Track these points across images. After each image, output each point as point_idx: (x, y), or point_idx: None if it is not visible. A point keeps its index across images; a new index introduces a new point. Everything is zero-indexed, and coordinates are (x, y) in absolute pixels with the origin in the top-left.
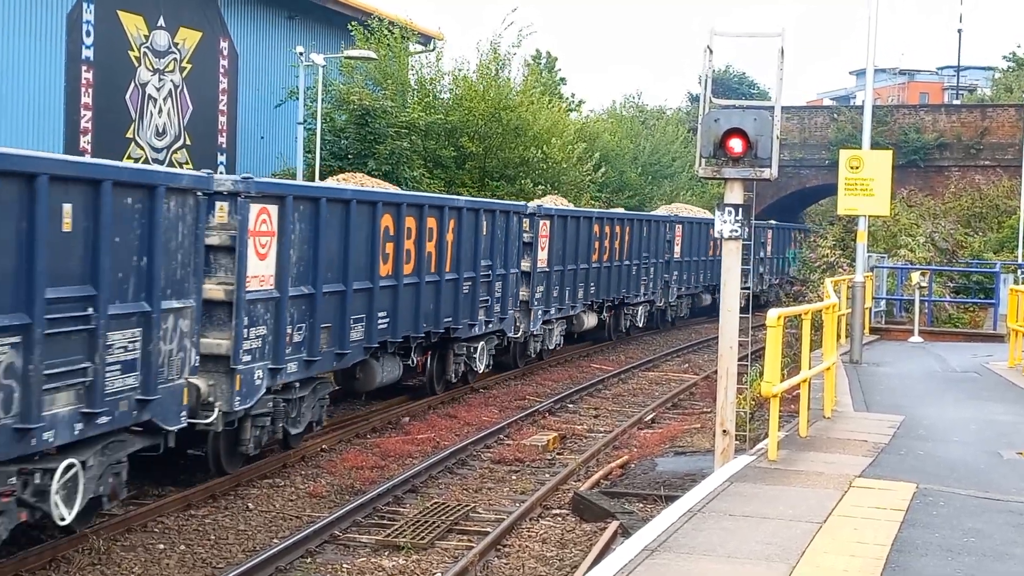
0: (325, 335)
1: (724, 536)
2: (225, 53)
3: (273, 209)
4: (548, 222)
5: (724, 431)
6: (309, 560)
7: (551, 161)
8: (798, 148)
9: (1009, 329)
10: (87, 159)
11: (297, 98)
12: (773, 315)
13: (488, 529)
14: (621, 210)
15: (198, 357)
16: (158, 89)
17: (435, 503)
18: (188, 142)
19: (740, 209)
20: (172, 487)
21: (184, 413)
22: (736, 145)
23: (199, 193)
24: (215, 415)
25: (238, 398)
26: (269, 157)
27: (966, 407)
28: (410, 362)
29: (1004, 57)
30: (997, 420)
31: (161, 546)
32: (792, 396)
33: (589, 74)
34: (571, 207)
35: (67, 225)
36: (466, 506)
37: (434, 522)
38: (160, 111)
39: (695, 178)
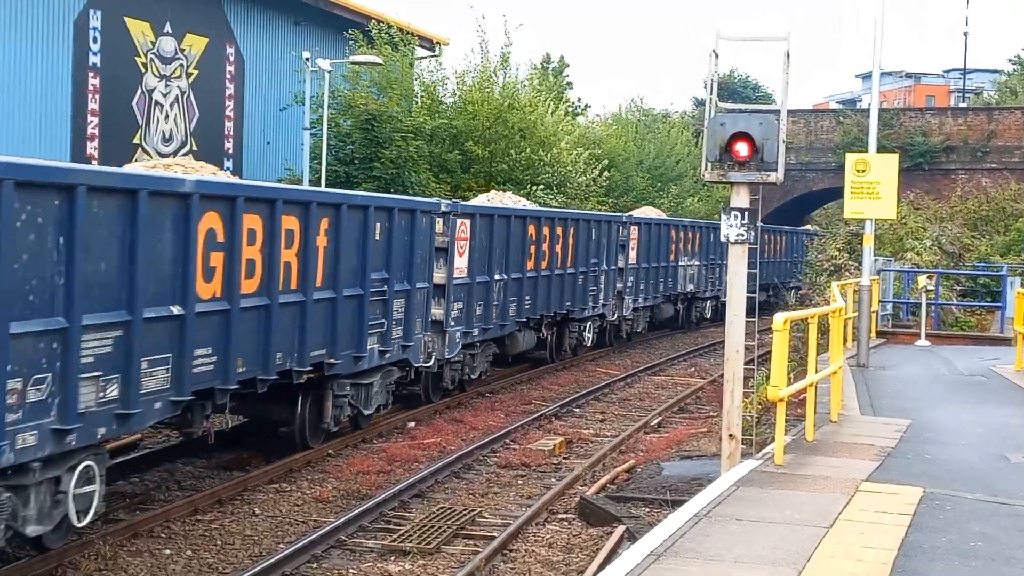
0: (92, 390)
1: (731, 541)
2: (231, 59)
3: None
4: (468, 222)
5: (731, 435)
6: (315, 565)
7: (558, 165)
8: (804, 152)
9: (1016, 332)
10: None
11: (303, 103)
12: (779, 319)
13: (494, 534)
14: (559, 208)
15: None
16: (165, 95)
17: (441, 508)
18: (195, 148)
19: (746, 213)
20: (178, 491)
21: None
22: (742, 149)
23: None
24: None
25: None
26: (275, 163)
27: (973, 411)
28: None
29: (1010, 60)
30: (1004, 423)
31: (167, 551)
32: (799, 400)
33: (595, 83)
34: (517, 205)
35: None
36: (472, 511)
37: (440, 527)
38: (167, 117)
39: (700, 182)
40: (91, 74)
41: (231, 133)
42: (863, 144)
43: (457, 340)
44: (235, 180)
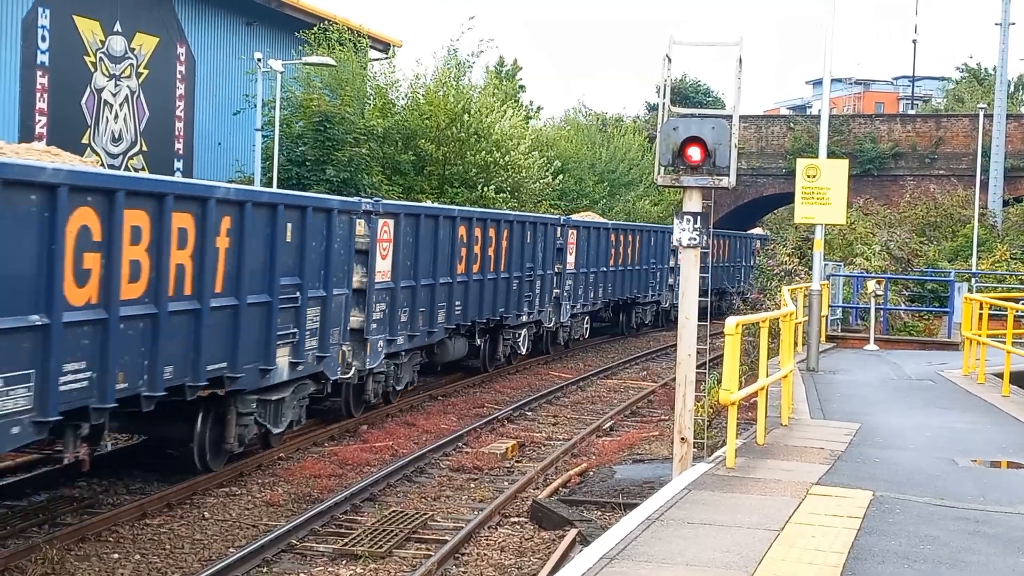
0: None
1: (683, 544)
2: (182, 59)
3: None
4: (392, 222)
5: (682, 439)
6: (266, 569)
7: (512, 168)
8: (755, 157)
9: (963, 337)
10: None
11: (255, 104)
12: (731, 323)
13: (446, 537)
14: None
15: None
16: (114, 95)
17: (393, 511)
18: (144, 148)
19: (698, 217)
20: (127, 495)
21: None
22: (694, 153)
23: None
24: None
25: None
26: (226, 163)
27: (921, 415)
28: None
29: (957, 68)
30: (952, 427)
31: (115, 556)
32: (750, 404)
33: (546, 85)
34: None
35: None
36: (424, 514)
37: (392, 530)
38: (116, 117)
39: (653, 186)
40: (39, 73)
41: (181, 133)
42: (813, 150)
43: (379, 350)
44: (108, 171)
